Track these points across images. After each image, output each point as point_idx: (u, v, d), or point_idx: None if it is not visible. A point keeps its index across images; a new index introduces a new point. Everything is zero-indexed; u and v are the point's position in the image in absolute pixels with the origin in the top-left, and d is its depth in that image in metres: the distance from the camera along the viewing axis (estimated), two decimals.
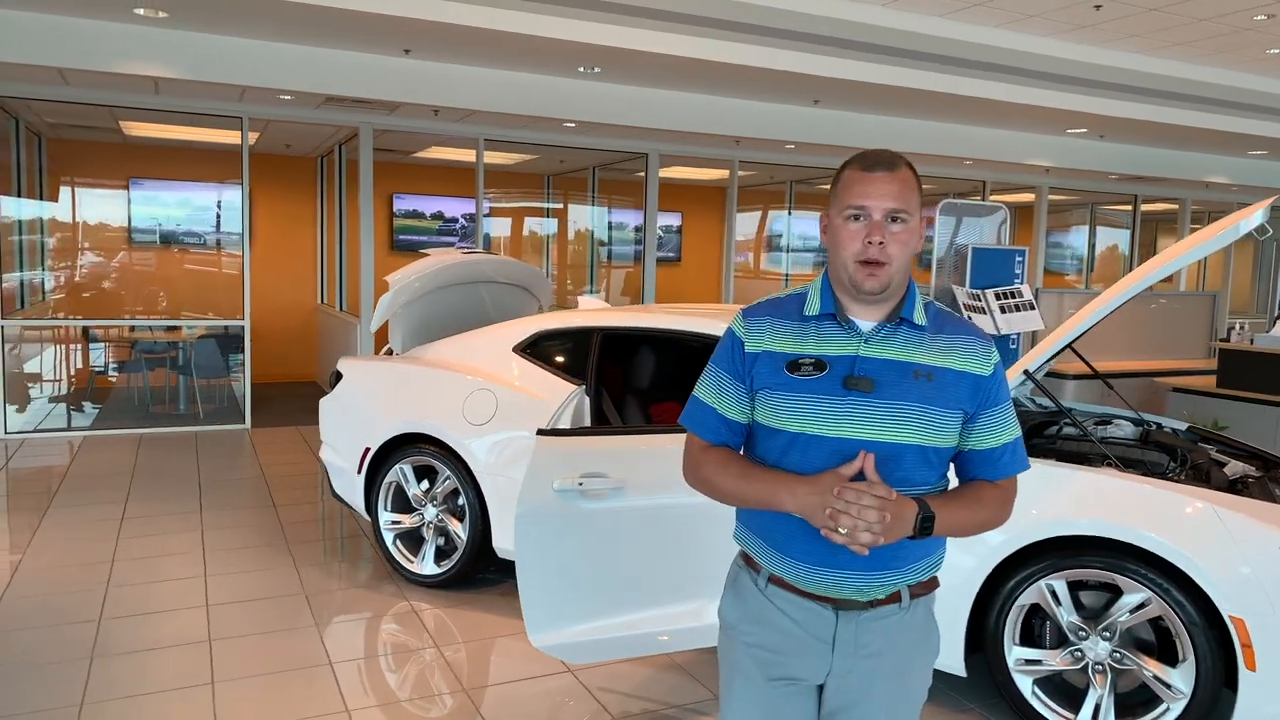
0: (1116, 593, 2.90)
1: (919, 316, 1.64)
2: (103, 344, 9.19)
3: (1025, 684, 3.04)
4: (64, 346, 9.05)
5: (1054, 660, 3.00)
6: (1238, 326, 7.15)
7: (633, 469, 2.78)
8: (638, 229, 9.89)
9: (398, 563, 4.34)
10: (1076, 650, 2.96)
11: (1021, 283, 7.71)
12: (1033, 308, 7.50)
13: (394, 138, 8.87)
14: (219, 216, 10.10)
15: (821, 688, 1.72)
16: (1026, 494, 3.03)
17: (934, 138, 9.23)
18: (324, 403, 4.74)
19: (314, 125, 8.25)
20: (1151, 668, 2.85)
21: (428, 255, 4.80)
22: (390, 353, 4.87)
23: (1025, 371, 3.18)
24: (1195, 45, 7.15)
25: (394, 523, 4.36)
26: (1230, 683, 2.74)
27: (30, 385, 8.35)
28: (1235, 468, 3.52)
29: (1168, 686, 2.82)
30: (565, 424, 3.75)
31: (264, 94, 6.98)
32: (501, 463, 3.96)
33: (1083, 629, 2.94)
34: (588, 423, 3.84)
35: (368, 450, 4.37)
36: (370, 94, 6.85)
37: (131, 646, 3.58)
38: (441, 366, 4.37)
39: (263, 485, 6.02)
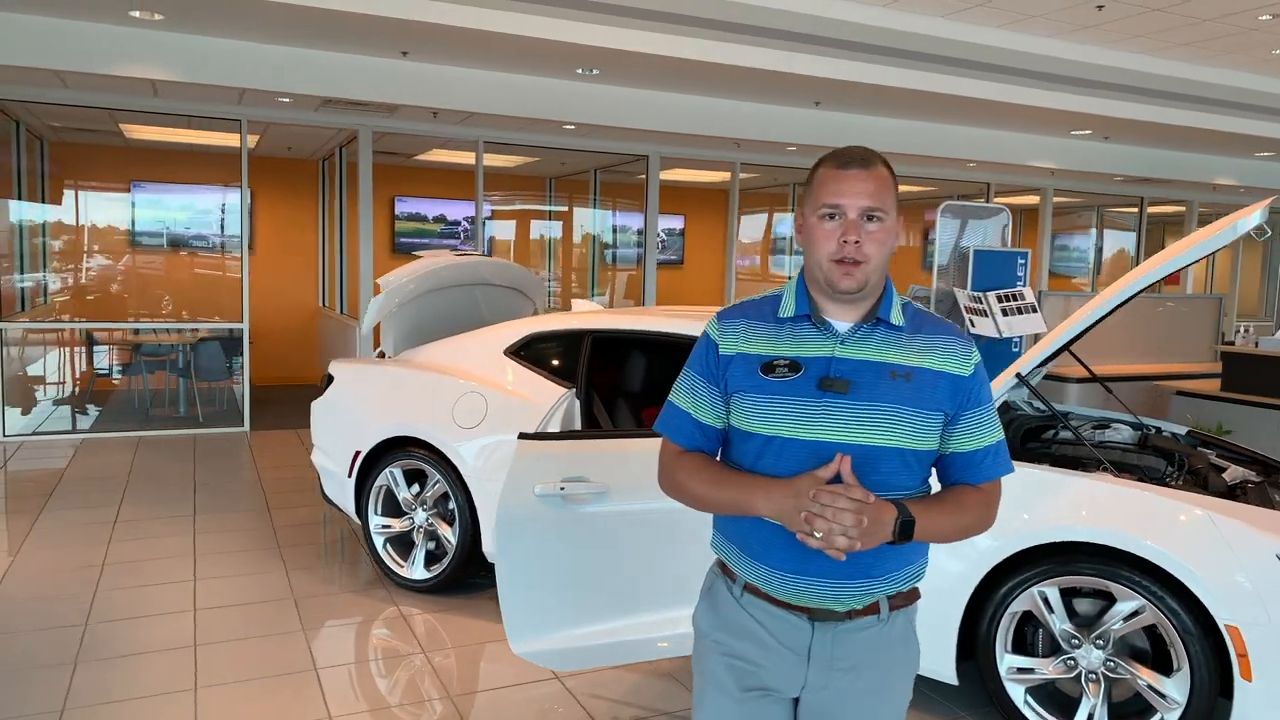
0: (1110, 600, 2.85)
1: (896, 317, 1.60)
2: (102, 347, 9.19)
3: (1017, 693, 2.98)
4: (64, 349, 9.06)
5: (1046, 669, 2.95)
6: (1242, 329, 7.07)
7: (616, 473, 2.74)
8: (639, 232, 9.85)
9: (388, 567, 4.31)
10: (1069, 658, 2.91)
11: (1024, 285, 7.65)
12: (1035, 310, 7.44)
13: (395, 140, 8.86)
14: (221, 220, 10.10)
15: (797, 701, 1.67)
16: (1019, 499, 2.99)
17: (936, 139, 9.17)
18: (315, 405, 4.71)
19: (314, 128, 8.24)
20: (1145, 677, 2.80)
21: (420, 257, 4.77)
22: (383, 355, 4.85)
23: (1018, 374, 3.13)
24: (1200, 46, 7.08)
25: (384, 527, 4.32)
26: (1226, 692, 2.68)
27: (30, 388, 8.36)
28: (1235, 473, 3.46)
29: (1162, 696, 2.76)
30: (555, 427, 3.71)
31: (262, 96, 6.97)
32: (491, 467, 3.92)
33: (1076, 637, 2.89)
34: (578, 426, 3.81)
35: (358, 453, 4.33)
36: (368, 96, 6.83)
37: (116, 651, 3.55)
38: (432, 369, 4.34)
39: (258, 489, 5.99)
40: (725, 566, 1.71)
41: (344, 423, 4.52)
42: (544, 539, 2.67)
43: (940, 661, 3.07)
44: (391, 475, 4.26)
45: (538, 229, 12.08)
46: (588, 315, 4.21)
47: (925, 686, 3.40)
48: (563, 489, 2.67)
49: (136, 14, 5.66)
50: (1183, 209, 13.19)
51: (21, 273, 8.32)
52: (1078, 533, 2.84)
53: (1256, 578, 2.62)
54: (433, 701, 3.27)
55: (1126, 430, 3.86)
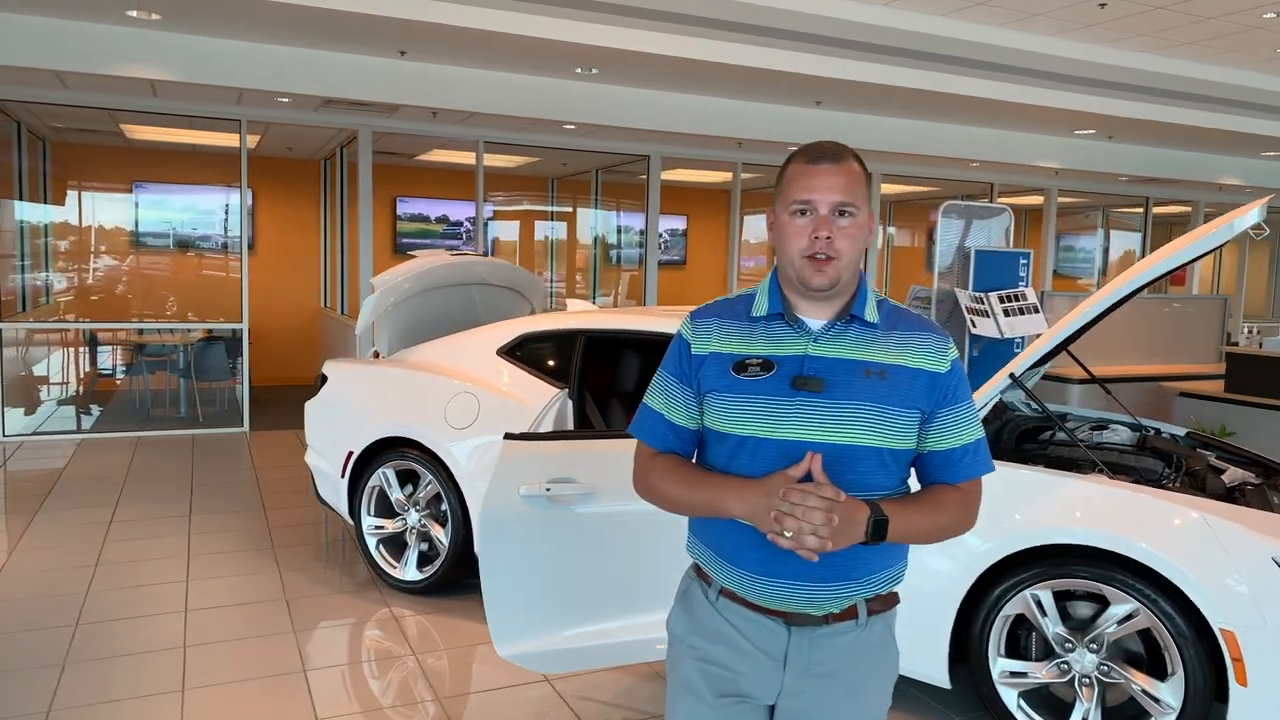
0: (1104, 604, 2.81)
1: (870, 313, 1.57)
2: (103, 347, 9.21)
3: (1010, 697, 2.95)
4: (64, 349, 9.07)
5: (1040, 673, 2.91)
6: (1247, 330, 7.00)
7: (603, 474, 2.71)
8: (642, 232, 9.83)
9: (381, 568, 4.29)
10: (1063, 662, 2.87)
11: (1026, 285, 7.60)
12: (1037, 311, 7.39)
13: (395, 141, 8.85)
14: (225, 220, 10.11)
15: (773, 708, 1.64)
16: (1012, 501, 2.96)
17: (939, 139, 9.12)
18: (309, 406, 4.70)
19: (314, 128, 8.23)
20: (1140, 681, 2.76)
21: (415, 257, 4.75)
22: (378, 355, 4.83)
23: (1011, 375, 3.09)
24: (1203, 44, 7.02)
25: (377, 528, 4.30)
26: (1222, 697, 2.64)
27: (31, 388, 8.37)
28: (1234, 475, 3.42)
29: (1156, 701, 2.72)
30: (547, 428, 3.69)
31: (261, 97, 6.96)
32: (483, 468, 3.89)
33: (1069, 641, 2.85)
34: (570, 426, 3.78)
35: (350, 454, 4.32)
36: (366, 96, 6.82)
37: (106, 652, 3.53)
38: (425, 369, 4.32)
39: (255, 489, 5.98)
40: (701, 570, 1.68)
41: (337, 423, 4.50)
42: (529, 540, 2.65)
43: (933, 665, 3.03)
44: (384, 476, 4.24)
45: (540, 230, 12.07)
46: (581, 315, 4.18)
47: (917, 690, 3.37)
48: (548, 490, 2.64)
49: (134, 14, 5.65)
50: (1189, 209, 13.11)
51: (23, 273, 8.33)
52: (1071, 535, 2.80)
53: (1252, 581, 2.58)
54: (423, 704, 3.25)
55: (1125, 431, 3.82)
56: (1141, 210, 12.89)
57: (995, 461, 3.04)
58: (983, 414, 3.12)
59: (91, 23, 5.93)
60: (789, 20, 6.10)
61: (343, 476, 4.37)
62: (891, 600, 1.65)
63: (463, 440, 3.97)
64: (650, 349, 4.14)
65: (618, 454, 2.84)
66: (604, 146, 9.09)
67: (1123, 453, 3.51)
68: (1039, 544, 2.84)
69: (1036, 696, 2.97)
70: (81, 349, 9.20)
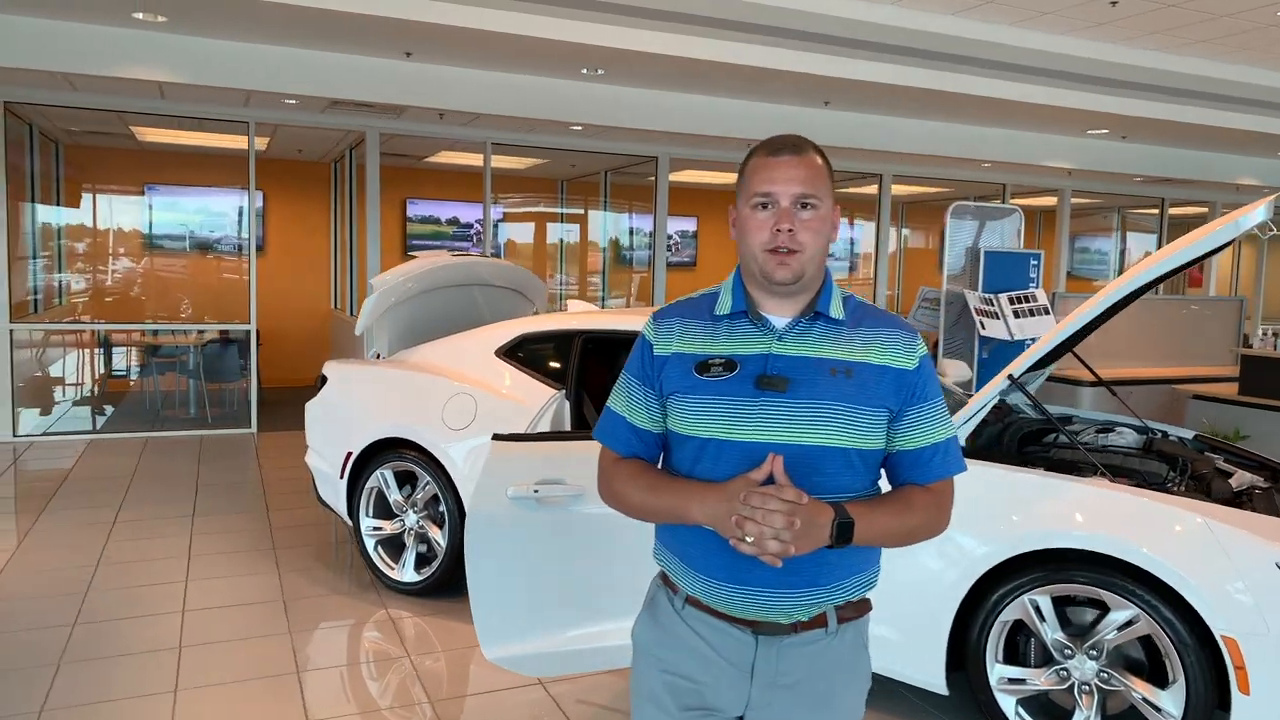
0: (1104, 609, 2.76)
1: (836, 310, 1.53)
2: (113, 348, 9.26)
3: (1009, 704, 2.90)
4: (75, 350, 9.13)
5: (1038, 679, 2.86)
6: (1263, 332, 6.90)
7: (592, 475, 2.66)
8: (652, 233, 9.80)
9: (379, 569, 4.28)
10: (1062, 669, 2.82)
11: (1036, 286, 7.53)
12: (1048, 312, 7.32)
13: (405, 143, 8.86)
14: (234, 222, 10.15)
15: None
16: (1010, 504, 2.91)
17: (949, 139, 9.04)
18: (309, 406, 4.69)
19: (322, 130, 8.25)
20: (1140, 689, 2.70)
21: (415, 258, 4.74)
22: (379, 356, 4.82)
23: (1010, 376, 3.04)
24: (1217, 42, 6.92)
25: (375, 529, 4.29)
26: (1224, 705, 2.58)
27: (42, 389, 8.43)
28: (1242, 478, 3.35)
29: (1157, 709, 2.66)
30: (545, 429, 3.66)
31: (268, 98, 6.98)
32: (480, 469, 3.87)
33: (1068, 647, 2.80)
34: (568, 427, 3.75)
35: (349, 455, 4.31)
36: (372, 97, 6.83)
37: (101, 652, 3.53)
38: (424, 370, 4.31)
39: (259, 490, 5.99)
40: (668, 578, 1.64)
41: (336, 424, 4.50)
42: (517, 542, 2.62)
43: (929, 670, 2.99)
44: (382, 477, 4.23)
45: (551, 231, 12.06)
46: (579, 316, 4.16)
47: (915, 696, 3.32)
48: (536, 491, 2.61)
49: (140, 16, 5.68)
50: (1205, 210, 12.95)
51: (35, 275, 8.39)
52: (1070, 539, 2.75)
53: (1255, 587, 2.52)
54: (417, 706, 3.23)
55: (1131, 434, 3.75)
56: (1157, 211, 12.75)
57: (996, 465, 3.01)
58: (981, 416, 3.07)
59: (98, 25, 5.96)
60: (797, 20, 6.06)
61: (341, 477, 4.36)
62: (864, 607, 1.60)
63: (460, 441, 3.95)
64: None
65: None
66: (612, 148, 9.07)
67: (1127, 455, 3.45)
68: (1037, 548, 2.79)
69: (1035, 703, 2.92)
70: (92, 350, 9.26)
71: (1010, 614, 2.86)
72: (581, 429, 3.91)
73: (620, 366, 4.43)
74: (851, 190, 11.21)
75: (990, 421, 3.62)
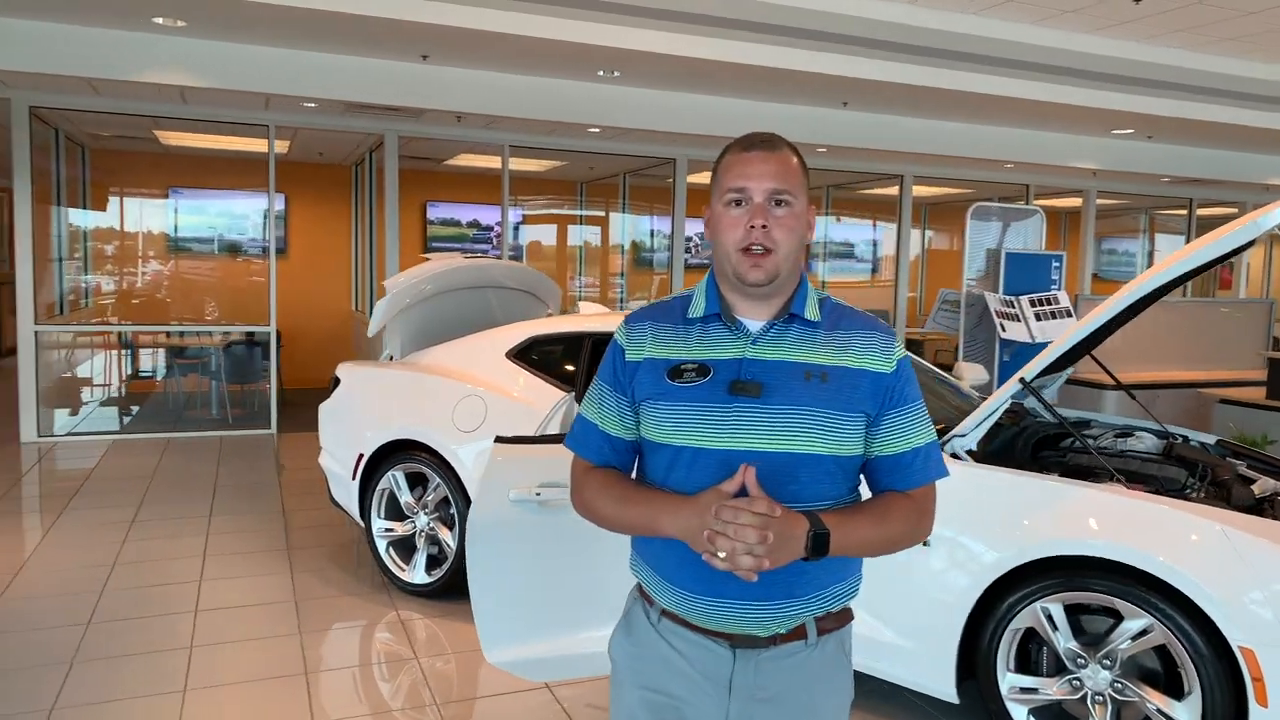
0: (1118, 618, 2.70)
1: (811, 312, 1.49)
2: (136, 349, 9.37)
3: (1020, 713, 2.84)
4: (100, 352, 9.24)
5: (1051, 689, 2.80)
6: None
7: None
8: (670, 235, 9.78)
9: (390, 571, 4.28)
10: (1075, 679, 2.76)
11: (1059, 288, 7.42)
12: (1070, 314, 7.21)
13: (424, 145, 8.90)
14: (255, 224, 10.24)
15: None
16: (1021, 510, 2.85)
17: (970, 140, 8.94)
18: (323, 408, 4.72)
19: (342, 133, 8.31)
20: (1155, 700, 2.64)
21: (428, 259, 4.75)
22: (392, 358, 4.83)
23: (1022, 380, 2.98)
24: (1244, 40, 6.80)
25: (387, 530, 4.30)
26: (1241, 717, 2.52)
27: (67, 390, 8.54)
28: (1265, 485, 3.27)
29: None
30: (554, 432, 3.64)
31: (287, 101, 7.03)
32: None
33: (1081, 656, 2.74)
34: None
35: (361, 456, 4.32)
36: (389, 100, 6.86)
37: (113, 651, 3.56)
38: (435, 372, 4.31)
39: (276, 490, 6.03)
40: (643, 590, 1.59)
41: (349, 425, 4.51)
42: (518, 546, 2.60)
43: (939, 678, 2.94)
44: (394, 478, 4.23)
45: (570, 233, 12.07)
46: (590, 318, 4.15)
47: (925, 704, 3.27)
48: (539, 494, 2.60)
49: (160, 20, 5.74)
50: (1235, 210, 12.73)
51: (61, 278, 8.51)
52: (1082, 546, 2.69)
53: (1274, 598, 2.46)
54: (425, 708, 3.22)
55: (1150, 439, 3.67)
56: (1185, 212, 12.55)
57: (1006, 470, 2.95)
58: (992, 420, 3.02)
59: (119, 30, 6.03)
60: (814, 20, 6.01)
61: (353, 479, 4.37)
62: (845, 617, 1.56)
63: (470, 443, 3.95)
64: None
65: None
66: (629, 150, 9.05)
67: (1145, 461, 3.38)
68: (1049, 555, 2.74)
69: (1048, 713, 2.86)
70: (116, 352, 9.37)
71: (1021, 622, 2.81)
72: None
73: None
74: (873, 191, 11.13)
75: (1005, 425, 3.57)
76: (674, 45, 6.24)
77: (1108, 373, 3.91)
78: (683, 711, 1.52)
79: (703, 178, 10.28)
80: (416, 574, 4.19)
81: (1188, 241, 12.66)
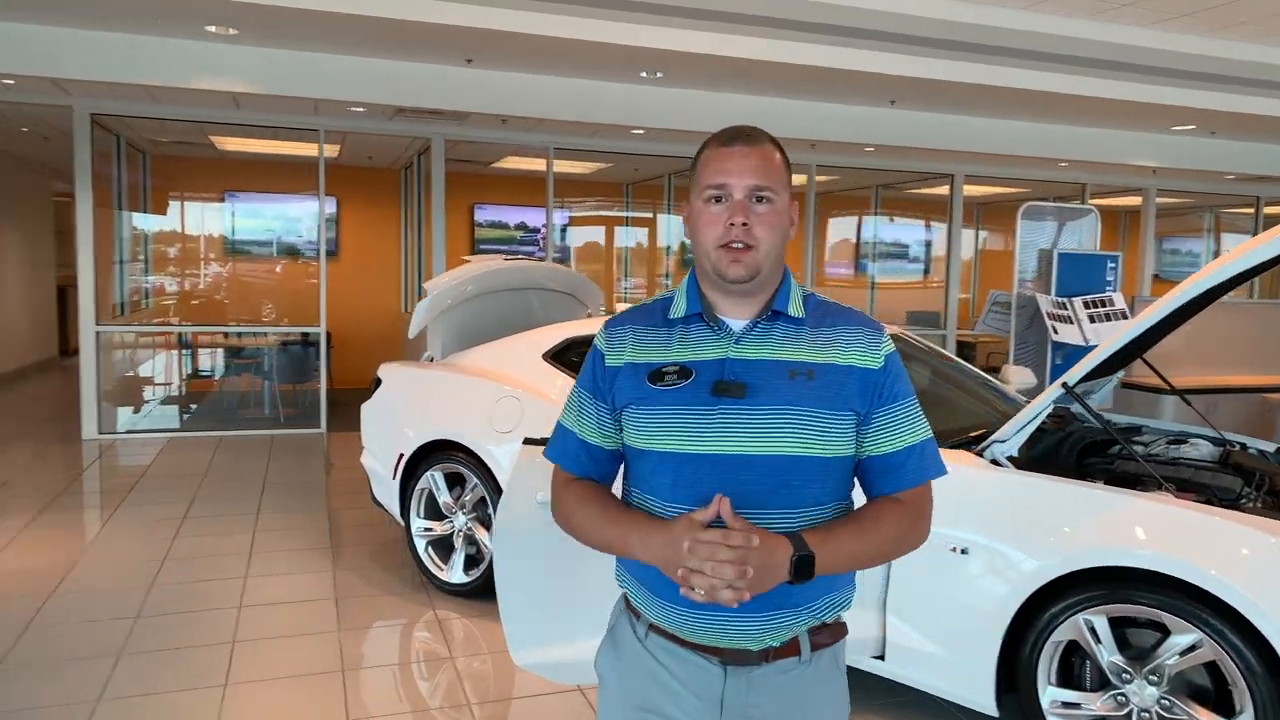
0: (1166, 632, 2.60)
1: (795, 308, 1.44)
2: (194, 349, 9.61)
3: None
4: (158, 352, 9.50)
5: (1094, 704, 2.71)
6: None
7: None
8: None
9: (429, 570, 4.32)
10: (1120, 694, 2.66)
11: (1114, 290, 7.22)
12: (1126, 316, 7.01)
13: (470, 148, 8.98)
14: (309, 227, 10.44)
15: None
16: (1064, 518, 2.77)
17: (1023, 138, 8.74)
18: (365, 408, 4.78)
19: (389, 137, 8.43)
20: (1204, 718, 2.54)
21: (468, 262, 4.78)
22: (432, 359, 4.88)
23: (1065, 385, 2.90)
24: None
25: (426, 530, 4.34)
26: None
27: (125, 388, 8.80)
28: None
29: None
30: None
31: (335, 106, 7.16)
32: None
33: (1126, 671, 2.65)
34: None
35: (401, 456, 4.36)
36: (435, 104, 6.93)
37: (159, 645, 3.64)
38: (474, 373, 4.34)
39: (322, 489, 6.13)
40: (630, 603, 1.54)
41: (390, 426, 4.56)
42: (545, 547, 2.59)
43: (979, 690, 2.86)
44: (433, 478, 4.27)
45: (617, 235, 12.10)
46: None
47: (964, 717, 3.19)
48: None
49: (212, 29, 5.88)
50: None
51: (123, 279, 8.77)
52: (1127, 557, 2.60)
53: None
54: (458, 707, 3.24)
55: (1206, 446, 3.54)
56: (1252, 211, 12.12)
57: (1047, 476, 2.86)
58: (1034, 426, 2.93)
59: (173, 39, 6.19)
60: (860, 18, 5.93)
61: (394, 478, 4.42)
62: (839, 631, 1.49)
63: (506, 444, 3.96)
64: None
65: None
66: (673, 151, 9.03)
67: (1199, 469, 3.26)
68: (1092, 565, 2.65)
69: None
70: (174, 353, 9.63)
71: (1063, 634, 2.72)
72: None
73: None
74: (923, 191, 10.95)
75: (1050, 431, 3.47)
76: (717, 45, 6.21)
77: (1160, 377, 3.78)
78: None
79: None
80: (454, 573, 4.22)
81: None
